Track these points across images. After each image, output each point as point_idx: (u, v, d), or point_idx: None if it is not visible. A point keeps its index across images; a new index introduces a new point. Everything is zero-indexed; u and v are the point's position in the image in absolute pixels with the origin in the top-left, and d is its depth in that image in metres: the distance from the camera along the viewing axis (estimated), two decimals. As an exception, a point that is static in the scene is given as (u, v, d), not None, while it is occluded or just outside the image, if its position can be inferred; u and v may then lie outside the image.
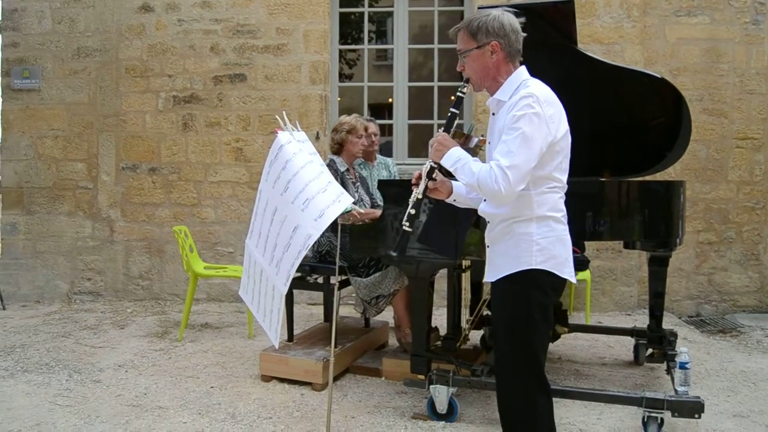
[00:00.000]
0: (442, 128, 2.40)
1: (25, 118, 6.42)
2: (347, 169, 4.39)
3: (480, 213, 2.45)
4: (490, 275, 2.40)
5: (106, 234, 6.38)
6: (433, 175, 2.40)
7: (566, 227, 2.35)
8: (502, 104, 2.32)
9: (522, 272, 2.27)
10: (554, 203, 2.31)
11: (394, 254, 2.42)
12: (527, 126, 2.15)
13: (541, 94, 2.23)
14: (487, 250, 2.45)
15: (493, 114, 2.40)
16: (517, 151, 2.14)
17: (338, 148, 4.45)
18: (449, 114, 2.41)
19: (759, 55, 5.89)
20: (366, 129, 4.57)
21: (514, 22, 2.32)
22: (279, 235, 2.88)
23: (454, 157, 2.28)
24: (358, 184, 4.51)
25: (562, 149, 2.29)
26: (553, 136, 2.22)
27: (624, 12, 5.88)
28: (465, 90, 2.41)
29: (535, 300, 2.28)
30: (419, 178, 2.39)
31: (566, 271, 2.33)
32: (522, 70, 2.35)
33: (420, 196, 2.37)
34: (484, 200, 2.40)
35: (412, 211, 2.35)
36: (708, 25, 5.89)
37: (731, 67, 5.90)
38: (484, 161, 2.33)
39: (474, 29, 2.30)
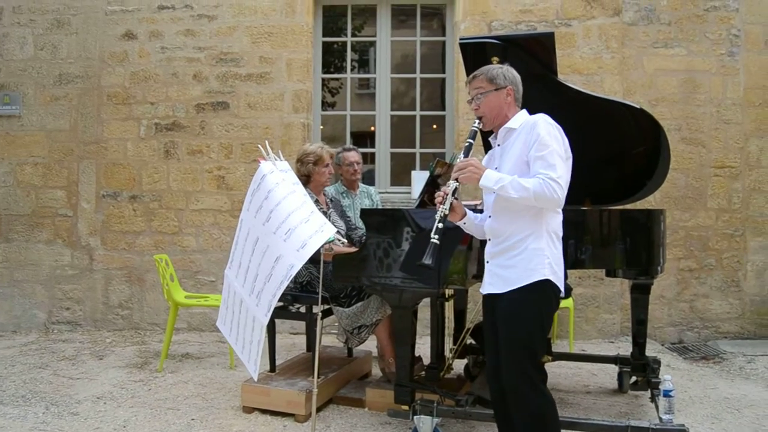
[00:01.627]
0: (462, 156, 2.72)
1: (4, 144, 6.36)
2: (316, 200, 4.35)
3: (486, 229, 2.75)
4: (497, 287, 2.66)
5: (86, 262, 6.30)
6: (455, 194, 2.68)
7: (561, 247, 2.70)
8: (511, 132, 2.69)
9: (536, 283, 2.56)
10: (559, 224, 2.68)
11: (428, 263, 2.59)
12: (554, 143, 2.55)
13: (552, 121, 2.63)
14: (487, 265, 2.74)
15: (499, 145, 2.77)
16: (557, 164, 2.51)
17: (305, 180, 4.34)
18: (466, 144, 2.75)
19: (734, 85, 6.01)
20: (331, 156, 4.54)
21: (518, 76, 2.78)
22: (260, 265, 2.87)
23: (495, 177, 2.56)
24: (331, 210, 4.50)
25: (569, 168, 2.64)
26: (565, 154, 2.61)
27: (603, 43, 5.99)
28: (477, 125, 2.77)
29: (546, 307, 2.63)
30: (444, 197, 2.67)
31: (562, 286, 2.64)
32: (525, 111, 2.76)
33: (447, 212, 2.66)
34: (489, 217, 2.72)
35: (440, 225, 2.62)
36: (685, 56, 6.02)
37: (708, 97, 6.02)
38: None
39: (492, 75, 2.72)
